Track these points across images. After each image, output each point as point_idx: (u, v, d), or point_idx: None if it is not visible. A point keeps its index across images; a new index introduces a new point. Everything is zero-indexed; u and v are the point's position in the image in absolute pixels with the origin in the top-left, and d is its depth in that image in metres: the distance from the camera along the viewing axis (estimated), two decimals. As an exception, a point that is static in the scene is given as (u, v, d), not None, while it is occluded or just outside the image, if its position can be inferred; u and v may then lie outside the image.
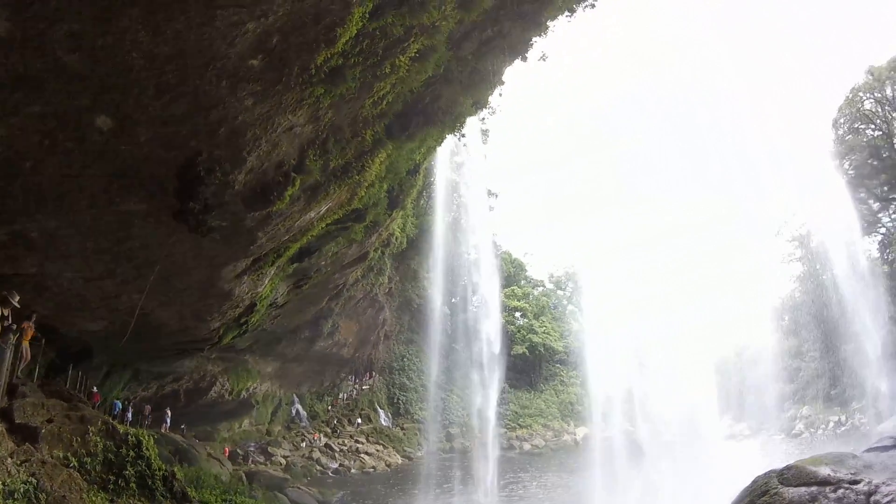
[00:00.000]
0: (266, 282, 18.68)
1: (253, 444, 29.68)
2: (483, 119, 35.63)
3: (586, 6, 20.06)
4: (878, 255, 43.42)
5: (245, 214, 12.59)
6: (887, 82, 41.73)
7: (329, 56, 9.85)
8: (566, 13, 20.09)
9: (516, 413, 46.28)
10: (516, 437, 44.12)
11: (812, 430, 41.04)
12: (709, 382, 40.62)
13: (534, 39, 22.28)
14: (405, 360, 44.18)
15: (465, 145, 37.65)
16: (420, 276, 41.65)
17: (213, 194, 11.02)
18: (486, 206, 47.72)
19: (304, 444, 32.39)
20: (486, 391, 39.46)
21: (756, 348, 47.52)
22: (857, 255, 41.36)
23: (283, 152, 12.08)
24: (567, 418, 48.25)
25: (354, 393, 39.89)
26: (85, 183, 9.72)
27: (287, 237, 16.37)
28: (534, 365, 49.86)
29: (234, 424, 29.88)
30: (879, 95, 42.28)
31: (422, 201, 37.48)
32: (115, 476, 9.43)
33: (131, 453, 9.90)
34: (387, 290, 37.07)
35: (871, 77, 42.19)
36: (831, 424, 40.19)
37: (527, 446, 43.40)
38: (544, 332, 50.77)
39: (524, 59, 22.06)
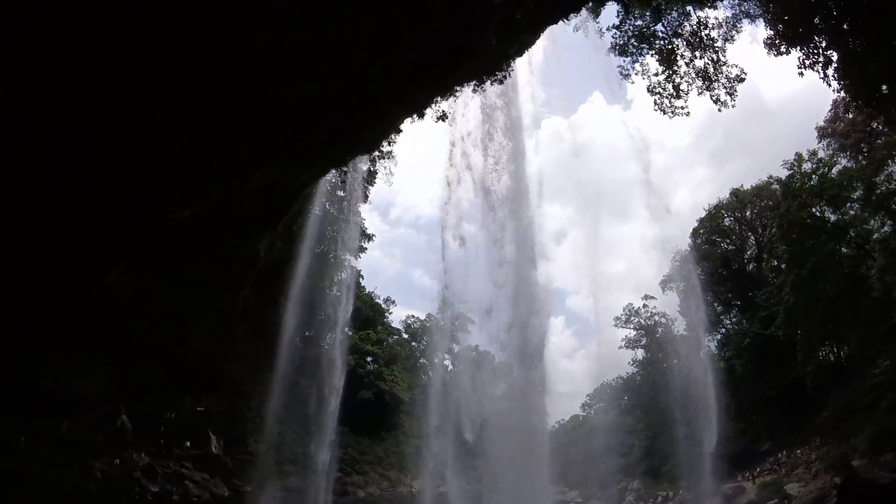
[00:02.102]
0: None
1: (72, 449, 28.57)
2: (373, 160, 38.41)
3: (494, 80, 23.58)
4: (717, 352, 50.58)
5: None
6: (748, 205, 50.12)
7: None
8: (474, 83, 23.40)
9: (354, 458, 47.36)
10: (352, 482, 45.15)
11: (641, 502, 46.21)
12: (544, 448, 44.34)
13: (437, 98, 25.40)
14: (248, 386, 44.09)
15: (349, 182, 40.04)
16: (278, 302, 42.43)
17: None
18: (357, 245, 49.98)
19: (125, 460, 31.42)
20: (326, 432, 40.32)
21: (594, 422, 52.75)
22: (698, 350, 47.89)
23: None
24: (405, 469, 49.95)
25: (188, 413, 39.19)
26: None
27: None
28: (378, 412, 51.47)
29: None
30: (739, 215, 50.71)
31: (294, 226, 38.79)
32: None
33: None
34: (242, 309, 37.50)
35: (734, 198, 50.46)
36: (659, 499, 45.56)
37: (361, 493, 44.51)
38: (392, 381, 52.63)
39: (420, 115, 25.05)
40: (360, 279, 54.57)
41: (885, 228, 39.35)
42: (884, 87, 22.82)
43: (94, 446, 30.68)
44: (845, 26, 21.49)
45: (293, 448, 42.63)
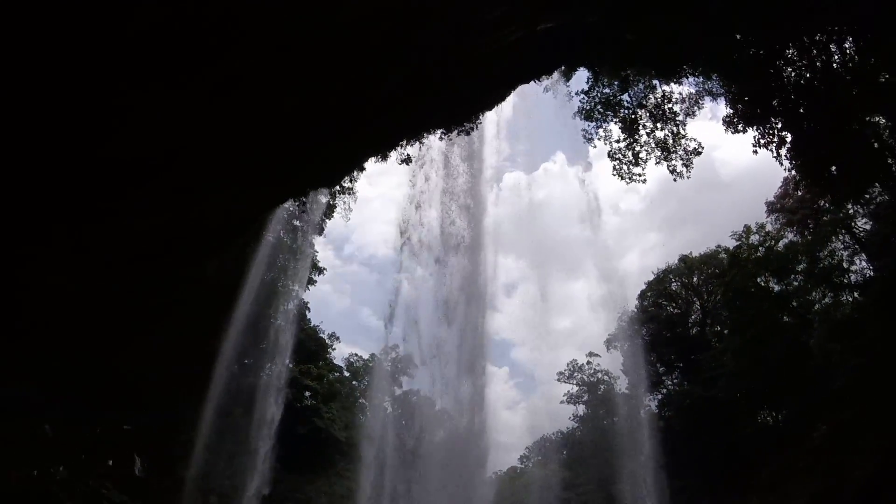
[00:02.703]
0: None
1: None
2: (333, 194, 38.27)
3: (462, 131, 23.96)
4: (657, 411, 51.38)
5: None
6: (696, 272, 51.67)
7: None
8: (442, 131, 23.79)
9: (284, 495, 45.94)
10: (279, 519, 43.71)
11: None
12: (482, 499, 44.03)
13: (403, 141, 25.65)
14: (181, 408, 42.35)
15: (307, 213, 39.78)
16: (220, 326, 41.34)
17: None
18: (307, 277, 49.42)
19: (44, 472, 29.67)
20: (257, 465, 39.23)
21: (532, 475, 52.74)
22: (639, 408, 49.10)
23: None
24: (336, 510, 48.70)
25: (114, 430, 37.22)
26: None
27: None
28: (313, 449, 50.12)
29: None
30: (686, 281, 52.20)
31: (247, 250, 38.24)
32: None
33: None
34: (183, 327, 36.42)
35: (683, 265, 52.02)
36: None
37: (287, 532, 43.15)
38: (330, 419, 51.45)
39: (385, 157, 25.29)
40: (307, 311, 53.80)
41: (826, 300, 41.21)
42: (833, 168, 24.17)
43: (13, 454, 28.77)
44: (801, 110, 22.74)
45: (221, 479, 41.04)
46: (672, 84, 23.33)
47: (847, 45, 21.74)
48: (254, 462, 39.62)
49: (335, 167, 23.76)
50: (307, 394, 52.68)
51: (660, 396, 52.07)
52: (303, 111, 16.95)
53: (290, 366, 48.18)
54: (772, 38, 20.24)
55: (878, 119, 24.03)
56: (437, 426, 48.78)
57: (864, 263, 38.52)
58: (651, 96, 23.78)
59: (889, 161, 25.41)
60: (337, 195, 39.52)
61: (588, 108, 24.07)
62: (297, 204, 37.56)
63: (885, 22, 18.70)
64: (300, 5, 12.78)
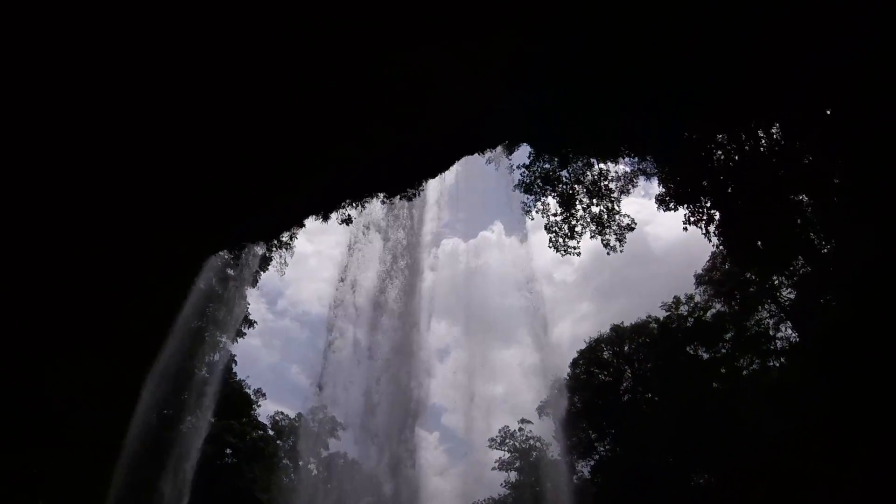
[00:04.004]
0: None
1: None
2: (270, 247, 37.92)
3: (404, 196, 24.50)
4: (589, 477, 51.92)
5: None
6: (627, 341, 53.10)
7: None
8: (384, 195, 24.31)
9: (198, 564, 43.61)
10: (193, 591, 41.29)
11: None
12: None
13: (344, 202, 25.94)
14: (91, 458, 39.87)
15: (241, 263, 39.19)
16: (141, 373, 39.58)
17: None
18: (236, 329, 48.23)
19: None
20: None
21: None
22: (570, 475, 49.98)
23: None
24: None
25: (18, 473, 34.75)
26: None
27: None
28: (232, 512, 48.17)
29: None
30: (617, 349, 53.48)
31: (177, 295, 37.19)
32: None
33: None
34: (101, 370, 34.82)
35: (614, 334, 53.47)
36: None
37: None
38: (251, 480, 49.80)
39: (326, 218, 25.54)
40: (234, 364, 52.27)
41: (754, 366, 43.17)
42: (759, 243, 25.74)
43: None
44: (730, 190, 24.32)
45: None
46: (609, 162, 24.68)
47: (774, 130, 23.57)
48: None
49: (276, 222, 23.87)
50: (228, 451, 50.82)
51: (592, 462, 52.63)
52: (246, 167, 17.16)
53: (212, 420, 46.46)
54: (705, 126, 21.77)
55: (801, 197, 25.73)
56: (365, 491, 47.70)
57: (789, 331, 40.56)
58: (588, 173, 25.06)
59: (812, 236, 27.16)
60: (274, 248, 39.18)
61: (528, 181, 25.13)
62: (232, 255, 37.19)
63: (813, 107, 20.44)
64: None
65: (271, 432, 57.23)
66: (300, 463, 53.00)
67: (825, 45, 17.04)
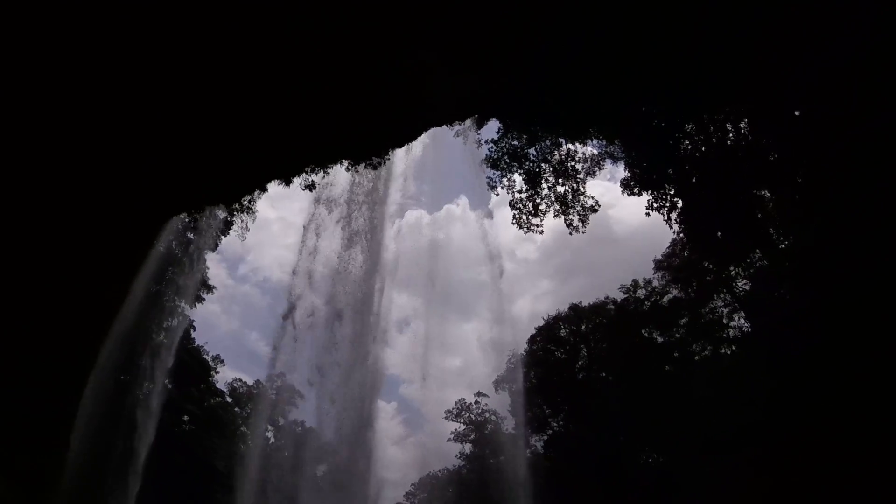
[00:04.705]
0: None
1: None
2: (232, 211, 36.92)
3: (369, 164, 23.93)
4: (542, 451, 52.66)
5: None
6: (584, 320, 53.45)
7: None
8: (349, 162, 23.73)
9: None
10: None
11: None
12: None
13: (307, 168, 25.32)
14: (45, 420, 38.72)
15: (201, 226, 38.09)
16: (98, 336, 38.46)
17: None
18: (195, 294, 47.13)
19: None
20: (129, 495, 36.63)
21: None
22: (524, 448, 50.51)
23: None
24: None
25: None
26: None
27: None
28: (189, 479, 47.35)
29: None
30: (574, 328, 53.89)
31: (135, 258, 36.07)
32: None
33: None
34: (57, 331, 33.68)
35: (572, 313, 53.80)
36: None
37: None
38: (209, 447, 49.11)
39: (288, 182, 24.85)
40: (192, 330, 51.20)
41: (706, 352, 43.79)
42: (719, 233, 25.90)
43: None
44: (694, 180, 24.32)
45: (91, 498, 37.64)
46: (577, 143, 24.47)
47: (742, 125, 23.57)
48: (125, 491, 36.83)
49: (237, 184, 23.16)
50: (186, 418, 49.96)
51: (546, 437, 53.26)
52: (208, 127, 16.59)
53: (170, 387, 45.54)
54: (675, 113, 21.62)
55: (763, 193, 25.94)
56: (322, 459, 47.55)
57: (742, 320, 41.22)
58: (556, 153, 24.85)
59: (770, 231, 27.42)
60: (236, 212, 38.12)
61: (495, 157, 24.86)
62: (192, 218, 36.08)
63: (784, 105, 20.38)
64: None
65: (229, 399, 56.51)
66: (257, 431, 52.37)
67: (798, 47, 16.92)
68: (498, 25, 16.72)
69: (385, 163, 23.90)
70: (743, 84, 19.82)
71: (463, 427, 61.32)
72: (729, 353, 42.07)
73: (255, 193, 29.84)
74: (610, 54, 18.56)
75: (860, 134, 13.73)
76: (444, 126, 22.82)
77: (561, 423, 54.06)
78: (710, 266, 39.08)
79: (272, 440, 54.65)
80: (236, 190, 24.70)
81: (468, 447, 61.02)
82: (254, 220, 38.18)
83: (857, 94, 14.19)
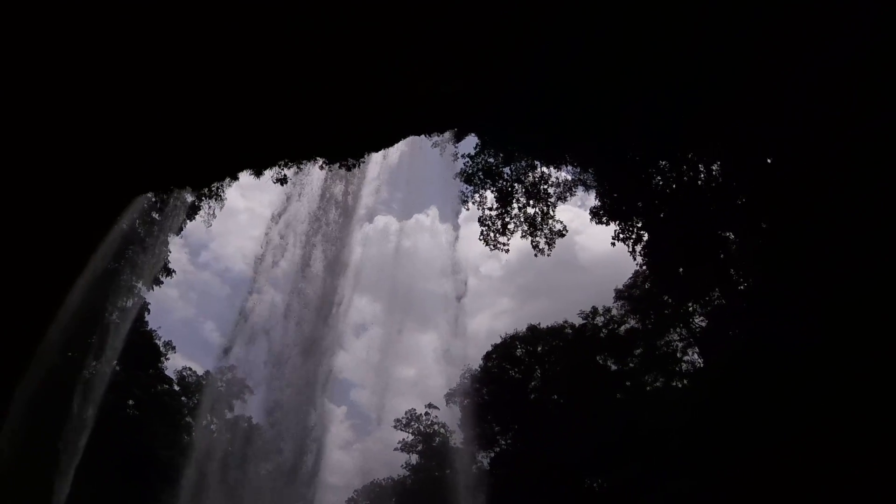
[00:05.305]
0: None
1: None
2: (200, 196, 36.09)
3: (344, 165, 23.60)
4: (489, 468, 52.57)
5: None
6: (541, 342, 53.58)
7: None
8: (324, 161, 23.39)
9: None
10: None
11: None
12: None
13: (281, 162, 24.90)
14: None
15: (167, 208, 37.20)
16: (52, 307, 37.10)
17: None
18: (153, 276, 45.82)
19: None
20: (65, 476, 35.25)
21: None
22: (471, 464, 50.50)
23: None
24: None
25: None
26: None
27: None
28: (130, 466, 45.69)
29: None
30: (531, 349, 54.01)
31: (96, 234, 34.98)
32: None
33: None
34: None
35: (530, 333, 53.96)
36: None
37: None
38: (152, 434, 47.62)
39: (259, 174, 24.43)
40: (146, 313, 49.63)
41: (658, 383, 44.42)
42: (681, 269, 26.11)
43: None
44: (662, 215, 24.49)
45: (29, 485, 35.99)
46: (551, 168, 24.54)
47: (715, 168, 23.82)
48: (62, 472, 35.46)
49: (208, 169, 22.61)
50: (131, 402, 48.38)
51: (493, 454, 53.16)
52: (184, 107, 16.17)
53: (118, 369, 44.11)
54: (651, 147, 21.76)
55: (728, 234, 26.26)
56: (266, 458, 46.56)
57: (696, 356, 41.73)
58: (530, 174, 24.94)
59: (731, 272, 27.73)
60: (204, 198, 37.24)
61: (470, 171, 24.87)
62: (159, 199, 35.18)
63: (755, 151, 20.62)
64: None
65: (177, 388, 54.93)
66: (203, 422, 51.09)
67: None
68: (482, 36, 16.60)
69: (360, 165, 23.63)
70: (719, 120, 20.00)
71: (411, 437, 61.16)
72: (680, 386, 42.52)
73: (226, 181, 29.27)
74: (594, 76, 18.59)
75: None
76: (423, 136, 22.68)
77: (509, 441, 53.96)
78: (670, 300, 39.49)
79: (217, 434, 53.25)
80: (206, 175, 24.15)
81: (415, 458, 60.85)
82: (222, 208, 37.39)
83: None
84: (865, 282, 13.71)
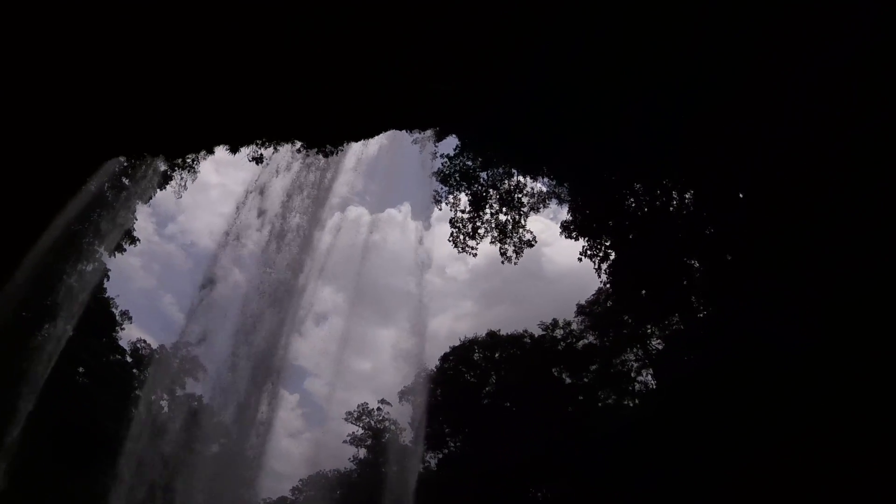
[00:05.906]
0: None
1: None
2: (173, 166, 35.19)
3: (322, 151, 23.24)
4: (435, 469, 52.67)
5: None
6: (499, 349, 53.64)
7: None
8: (301, 144, 23.00)
9: (36, 490, 39.95)
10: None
11: None
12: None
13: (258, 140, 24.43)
14: None
15: (138, 174, 36.19)
16: (9, 265, 35.81)
17: None
18: (116, 243, 44.59)
19: None
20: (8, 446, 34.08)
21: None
22: (418, 463, 50.08)
23: None
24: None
25: None
26: None
27: None
28: (77, 437, 44.16)
29: None
30: (489, 354, 54.07)
31: (64, 195, 33.90)
32: None
33: None
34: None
35: (489, 338, 53.95)
36: None
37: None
38: (101, 404, 46.23)
39: (235, 150, 23.91)
40: (106, 279, 48.16)
41: (610, 401, 44.97)
42: (643, 291, 26.26)
43: None
44: (631, 237, 24.58)
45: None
46: (528, 177, 24.54)
47: (687, 196, 23.96)
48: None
49: (183, 139, 22.06)
50: (81, 370, 46.96)
51: (441, 455, 53.03)
52: (163, 73, 15.75)
53: (71, 334, 42.75)
54: (628, 171, 21.79)
55: (693, 262, 26.50)
56: (213, 438, 45.70)
57: (649, 377, 42.16)
58: (506, 182, 24.97)
59: (693, 299, 27.99)
60: (176, 168, 36.27)
61: (447, 172, 24.85)
62: (130, 164, 34.18)
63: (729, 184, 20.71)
64: None
65: (129, 359, 53.50)
66: (152, 397, 49.85)
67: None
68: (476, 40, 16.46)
69: (338, 153, 23.28)
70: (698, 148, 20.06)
71: (361, 431, 60.81)
72: (631, 405, 42.91)
73: (202, 153, 28.68)
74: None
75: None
76: (405, 130, 22.44)
77: (458, 443, 53.89)
78: (630, 320, 39.82)
79: (166, 410, 52.01)
80: (182, 145, 23.54)
81: (363, 452, 60.50)
82: (194, 180, 36.51)
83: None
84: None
